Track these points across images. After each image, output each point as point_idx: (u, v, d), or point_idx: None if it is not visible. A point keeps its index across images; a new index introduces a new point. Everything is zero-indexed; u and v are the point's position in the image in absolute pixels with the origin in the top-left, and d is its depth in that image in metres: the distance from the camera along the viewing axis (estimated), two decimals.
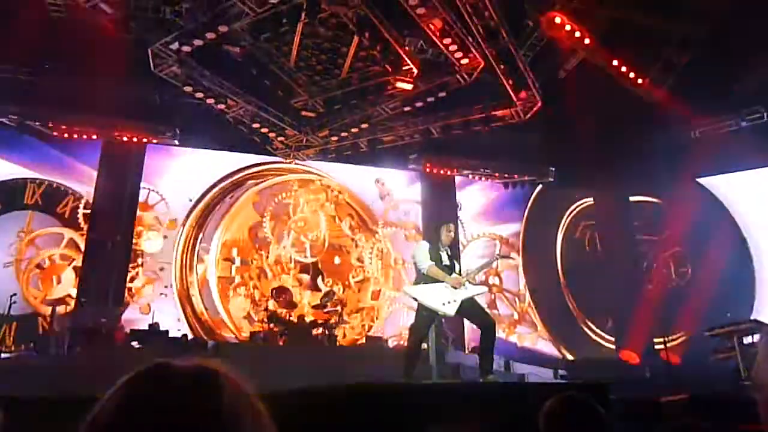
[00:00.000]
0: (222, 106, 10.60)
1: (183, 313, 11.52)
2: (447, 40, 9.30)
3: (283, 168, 13.01)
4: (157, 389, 0.70)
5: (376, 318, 12.53)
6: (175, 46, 8.96)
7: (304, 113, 11.70)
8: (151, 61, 9.20)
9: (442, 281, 5.16)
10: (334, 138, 11.89)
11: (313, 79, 11.33)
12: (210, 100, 10.38)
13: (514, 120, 11.17)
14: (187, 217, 12.17)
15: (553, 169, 13.67)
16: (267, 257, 12.35)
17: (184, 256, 11.97)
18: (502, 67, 9.67)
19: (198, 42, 8.81)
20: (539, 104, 10.66)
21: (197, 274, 11.94)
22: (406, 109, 11.18)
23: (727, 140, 11.52)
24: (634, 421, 4.24)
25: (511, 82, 10.10)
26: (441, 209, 12.85)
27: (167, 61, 9.33)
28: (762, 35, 9.34)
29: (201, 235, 12.22)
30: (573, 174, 13.71)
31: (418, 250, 5.49)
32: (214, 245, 12.21)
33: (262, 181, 12.95)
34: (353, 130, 11.65)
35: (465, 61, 9.77)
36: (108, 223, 11.06)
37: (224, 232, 12.40)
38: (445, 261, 5.37)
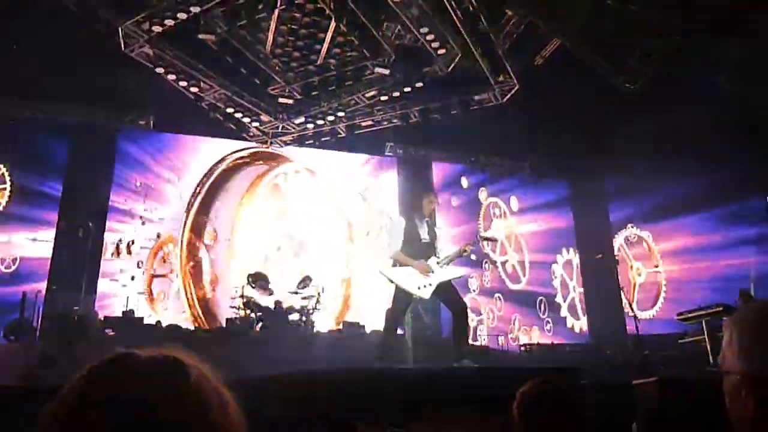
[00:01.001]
0: (195, 90, 10.43)
1: (187, 305, 11.49)
2: (424, 29, 9.27)
3: (274, 153, 12.97)
4: (119, 380, 0.69)
5: (350, 305, 12.54)
6: (146, 25, 8.77)
7: (281, 100, 11.59)
8: (121, 41, 8.98)
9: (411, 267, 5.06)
10: (310, 125, 11.82)
11: (290, 65, 11.19)
12: (183, 83, 10.20)
13: (492, 103, 11.20)
14: (190, 205, 12.10)
15: (528, 158, 13.85)
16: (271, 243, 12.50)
17: (192, 245, 11.95)
18: (479, 50, 9.67)
19: (169, 22, 8.63)
20: (516, 86, 10.72)
21: (208, 262, 11.93)
22: (383, 98, 11.16)
23: None
24: (605, 404, 4.31)
25: (488, 65, 10.12)
26: (418, 186, 12.83)
27: (138, 41, 9.12)
28: None
29: (207, 223, 12.20)
30: (550, 162, 13.88)
31: (392, 229, 5.37)
32: (236, 234, 12.34)
33: (260, 167, 13.00)
34: (329, 118, 11.59)
35: (442, 51, 9.76)
36: (78, 210, 10.84)
37: (238, 219, 12.48)
38: (424, 236, 5.25)
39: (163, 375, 0.70)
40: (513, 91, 10.88)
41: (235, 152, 12.75)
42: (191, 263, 11.84)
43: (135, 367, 0.71)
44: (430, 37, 9.31)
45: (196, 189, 12.26)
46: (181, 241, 11.89)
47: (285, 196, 13.01)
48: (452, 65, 10.17)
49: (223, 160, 12.64)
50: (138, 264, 11.37)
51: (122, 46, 9.05)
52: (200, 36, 9.20)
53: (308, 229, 12.84)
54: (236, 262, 12.12)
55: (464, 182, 14.10)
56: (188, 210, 12.09)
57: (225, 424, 0.71)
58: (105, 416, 0.65)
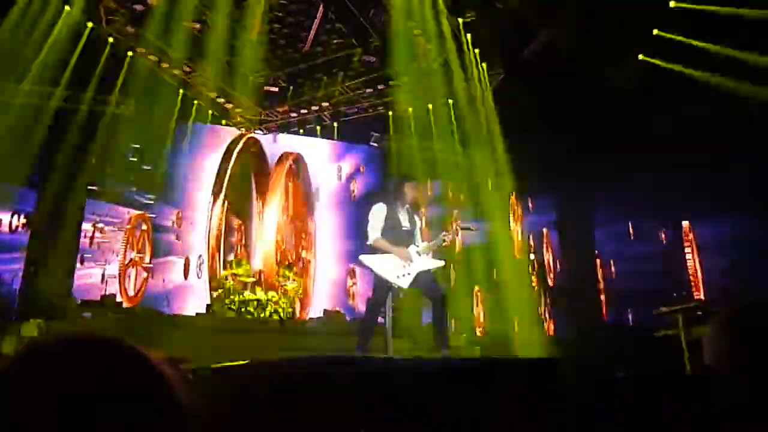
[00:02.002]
0: (177, 72, 10.28)
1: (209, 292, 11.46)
2: (412, 23, 9.27)
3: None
4: (35, 370, 0.65)
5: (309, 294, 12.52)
6: (128, 4, 8.65)
7: (266, 88, 11.48)
8: (102, 18, 8.82)
9: (391, 254, 5.00)
10: (294, 114, 11.75)
11: (276, 53, 11.07)
12: (164, 65, 10.04)
13: (478, 91, 11.21)
14: (215, 198, 12.04)
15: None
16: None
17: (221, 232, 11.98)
18: (468, 39, 9.70)
19: (152, 1, 8.52)
20: (502, 75, 10.75)
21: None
22: (368, 90, 11.15)
23: None
24: (583, 397, 4.36)
25: (476, 52, 10.16)
26: (398, 181, 12.77)
27: (120, 20, 8.97)
28: None
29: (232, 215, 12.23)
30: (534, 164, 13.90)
31: (372, 215, 5.26)
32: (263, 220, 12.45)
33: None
34: (313, 107, 11.54)
35: (429, 47, 9.78)
36: (58, 193, 10.67)
37: (265, 207, 12.57)
38: (405, 224, 5.17)
39: (91, 362, 0.66)
40: (499, 79, 10.90)
41: (243, 135, 12.69)
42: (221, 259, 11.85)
43: (48, 354, 0.67)
44: (417, 32, 9.31)
45: (218, 176, 12.21)
46: (209, 227, 11.93)
47: (286, 183, 13.07)
48: (439, 61, 10.20)
49: (235, 143, 12.57)
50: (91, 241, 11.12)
51: (104, 22, 8.90)
52: (185, 23, 9.08)
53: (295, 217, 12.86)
54: (263, 249, 12.15)
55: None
56: (215, 197, 12.06)
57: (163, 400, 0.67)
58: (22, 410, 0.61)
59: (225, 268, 11.23)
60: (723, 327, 0.90)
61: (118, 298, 10.04)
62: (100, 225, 11.13)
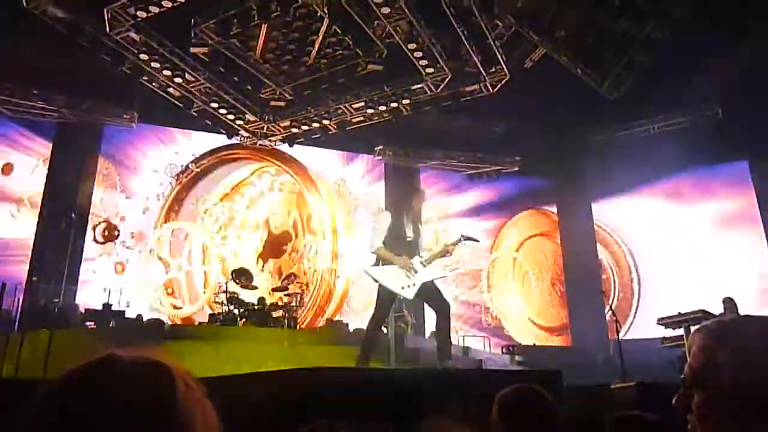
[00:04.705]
0: (180, 80, 10.31)
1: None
2: (412, 45, 9.31)
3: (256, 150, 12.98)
4: (103, 388, 0.65)
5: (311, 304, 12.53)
6: (131, 10, 8.70)
7: (272, 103, 11.54)
8: (107, 24, 8.87)
9: (393, 263, 4.97)
10: (295, 130, 11.80)
11: (281, 68, 11.12)
12: (167, 72, 10.07)
13: (483, 94, 11.22)
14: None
15: (518, 158, 13.83)
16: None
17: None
18: (472, 43, 9.72)
19: (154, 9, 8.57)
20: (508, 77, 10.74)
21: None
22: (370, 110, 11.20)
23: None
24: (585, 407, 4.34)
25: (481, 57, 10.18)
26: (405, 191, 12.79)
27: (124, 26, 9.02)
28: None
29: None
30: (536, 164, 13.90)
31: (375, 224, 5.24)
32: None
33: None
34: (315, 124, 11.59)
35: (431, 70, 9.81)
36: (62, 199, 10.71)
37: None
38: (409, 235, 5.15)
39: (150, 384, 0.67)
40: (504, 81, 10.90)
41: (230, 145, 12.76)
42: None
43: (120, 374, 0.67)
44: (418, 54, 9.36)
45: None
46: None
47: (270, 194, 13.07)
48: (442, 86, 10.28)
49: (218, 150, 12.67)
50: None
51: (107, 28, 8.95)
52: (192, 50, 9.15)
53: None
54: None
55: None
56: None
57: None
58: (86, 428, 0.62)
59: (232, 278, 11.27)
60: (709, 338, 0.91)
61: (120, 307, 10.03)
62: (105, 232, 11.19)
